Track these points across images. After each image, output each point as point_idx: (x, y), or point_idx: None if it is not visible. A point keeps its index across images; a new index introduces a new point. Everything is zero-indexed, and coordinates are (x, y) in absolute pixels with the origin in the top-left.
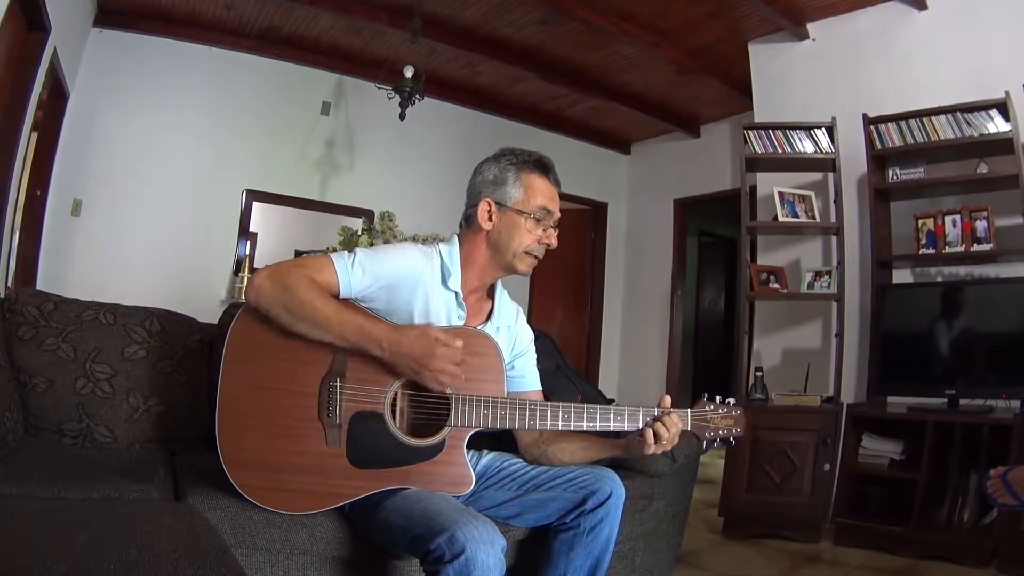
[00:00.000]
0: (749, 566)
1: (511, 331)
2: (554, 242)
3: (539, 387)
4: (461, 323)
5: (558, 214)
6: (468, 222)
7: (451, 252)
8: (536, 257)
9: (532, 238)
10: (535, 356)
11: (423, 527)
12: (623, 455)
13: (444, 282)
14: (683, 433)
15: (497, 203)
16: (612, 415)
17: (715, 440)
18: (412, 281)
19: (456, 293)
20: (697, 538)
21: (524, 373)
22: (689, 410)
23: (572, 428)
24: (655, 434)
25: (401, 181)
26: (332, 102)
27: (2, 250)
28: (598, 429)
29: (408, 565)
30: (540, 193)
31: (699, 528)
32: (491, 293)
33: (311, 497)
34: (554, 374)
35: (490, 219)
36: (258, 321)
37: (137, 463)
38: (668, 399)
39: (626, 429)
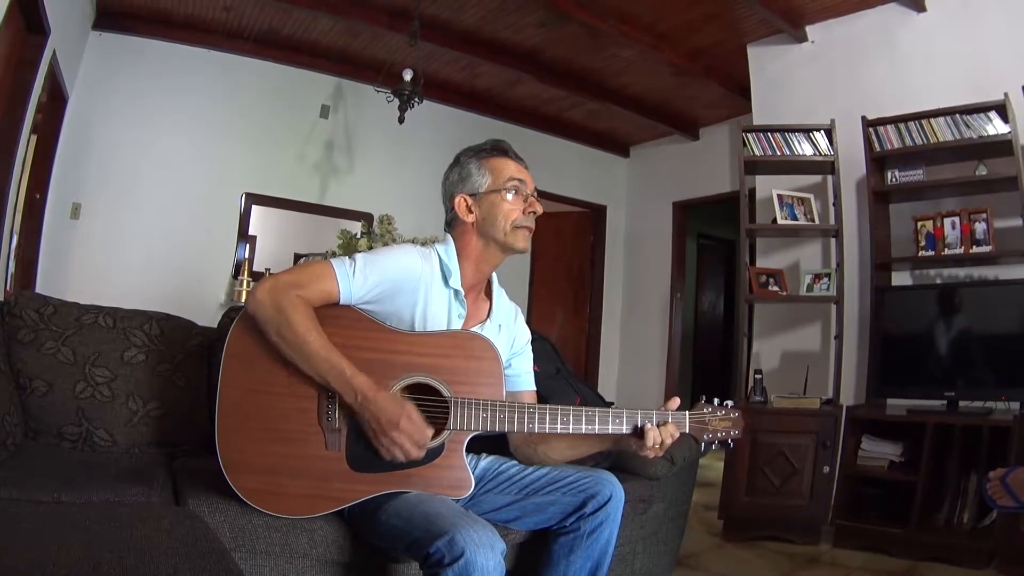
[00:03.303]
0: (748, 568)
1: (510, 329)
2: (538, 208)
3: (533, 387)
4: (462, 321)
5: (533, 184)
6: (451, 225)
7: (448, 251)
8: (528, 228)
9: (516, 210)
10: (531, 356)
11: (423, 530)
12: (613, 448)
13: (445, 281)
14: (682, 435)
15: (471, 194)
16: (611, 418)
17: (713, 442)
18: (412, 283)
19: (457, 291)
20: (696, 541)
21: (520, 372)
22: (687, 413)
23: (571, 431)
24: (658, 440)
25: (400, 184)
26: (331, 105)
27: (1, 253)
28: (596, 432)
29: (408, 568)
30: (506, 169)
31: (699, 531)
32: (488, 293)
33: (311, 501)
34: (553, 377)
35: (470, 211)
36: (256, 326)
37: (136, 467)
38: (676, 401)
39: (624, 432)
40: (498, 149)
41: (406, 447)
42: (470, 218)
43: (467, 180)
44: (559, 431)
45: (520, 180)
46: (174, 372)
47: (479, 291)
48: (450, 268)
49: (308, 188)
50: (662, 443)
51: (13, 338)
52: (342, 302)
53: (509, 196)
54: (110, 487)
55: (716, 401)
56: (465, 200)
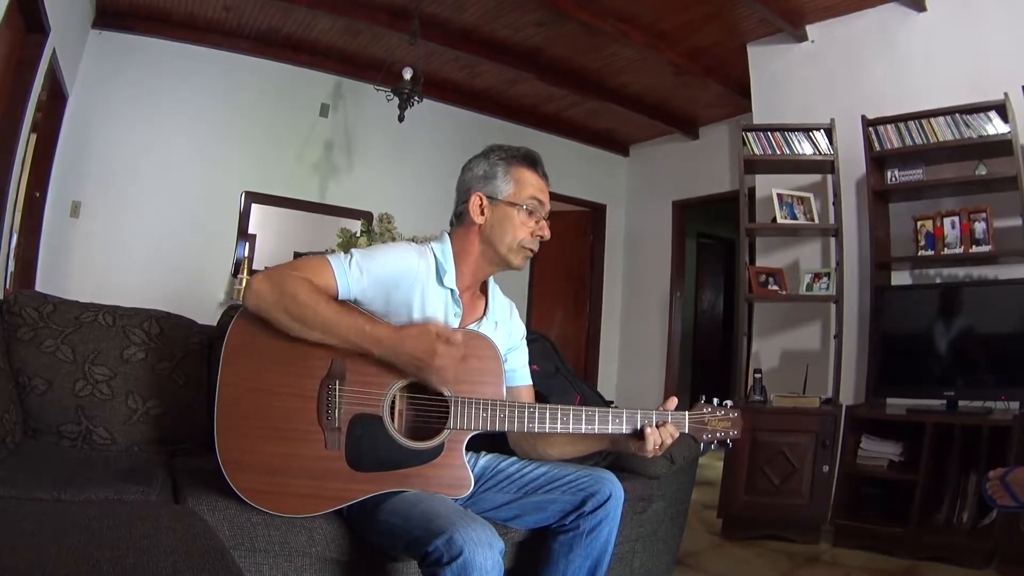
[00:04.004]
0: (748, 568)
1: (507, 325)
2: (547, 234)
3: (529, 382)
4: (458, 320)
5: (548, 206)
6: (459, 219)
7: (444, 250)
8: (531, 250)
9: (526, 231)
10: (527, 350)
11: (421, 529)
12: (611, 448)
13: (440, 280)
14: (681, 435)
15: (488, 197)
16: (611, 417)
17: (712, 442)
18: (409, 280)
19: (452, 290)
20: (696, 540)
21: (515, 367)
22: (687, 413)
23: (571, 431)
24: (655, 439)
25: (400, 183)
26: (331, 104)
27: (1, 251)
28: (596, 432)
29: (407, 567)
30: (530, 185)
31: (698, 530)
32: (484, 289)
33: (310, 500)
34: (553, 376)
35: (482, 213)
36: (256, 323)
37: (136, 465)
38: (674, 401)
39: (624, 432)
40: (530, 160)
41: (452, 369)
42: (479, 219)
43: (490, 181)
44: (559, 431)
45: (540, 201)
46: (174, 370)
47: (474, 291)
48: (445, 267)
49: (308, 187)
50: (662, 444)
51: (12, 336)
52: (340, 297)
53: (524, 214)
54: (109, 485)
55: (715, 401)
56: (480, 199)
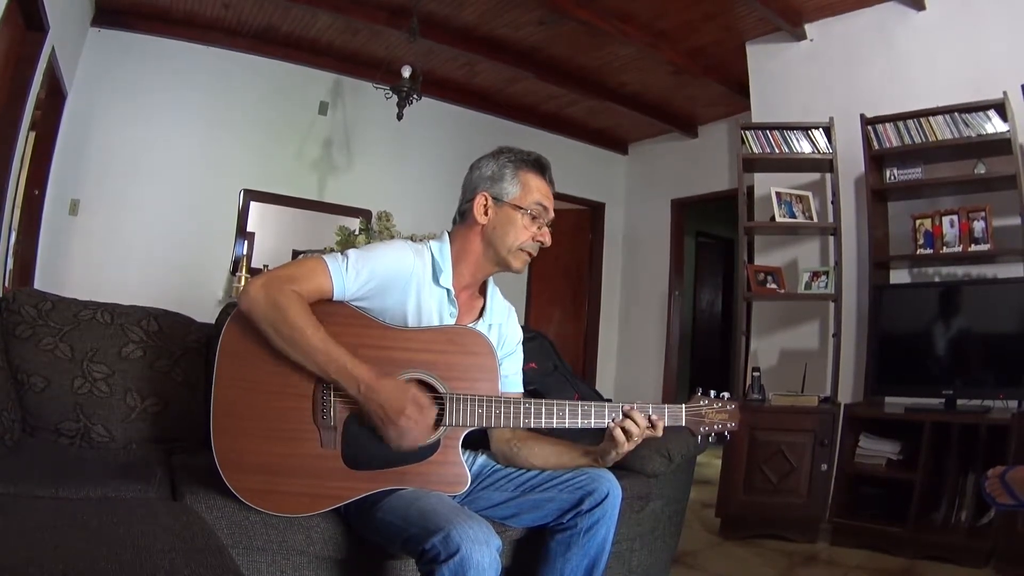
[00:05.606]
0: (746, 566)
1: (503, 329)
2: (548, 240)
3: (521, 389)
4: (453, 320)
5: (552, 213)
6: (463, 217)
7: (442, 249)
8: (530, 254)
9: (527, 234)
10: (522, 358)
11: (418, 527)
12: (601, 466)
13: (436, 279)
14: (678, 429)
15: (494, 197)
16: (606, 411)
17: (710, 435)
18: (405, 279)
19: (448, 290)
20: (694, 538)
21: (507, 374)
22: (684, 405)
23: (567, 425)
24: (625, 431)
25: (399, 181)
26: (330, 102)
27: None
28: (592, 426)
29: (404, 565)
30: (537, 190)
31: (696, 528)
32: (483, 291)
33: (307, 499)
34: (551, 374)
35: (486, 213)
36: (250, 324)
37: (134, 463)
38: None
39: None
40: (539, 165)
41: (413, 434)
42: (483, 219)
43: (497, 182)
44: (555, 425)
45: (544, 207)
46: (172, 368)
47: (473, 291)
48: (442, 267)
49: (307, 184)
50: (639, 431)
51: (11, 334)
52: (336, 298)
53: (527, 218)
54: (108, 483)
55: (712, 393)
56: (486, 199)
